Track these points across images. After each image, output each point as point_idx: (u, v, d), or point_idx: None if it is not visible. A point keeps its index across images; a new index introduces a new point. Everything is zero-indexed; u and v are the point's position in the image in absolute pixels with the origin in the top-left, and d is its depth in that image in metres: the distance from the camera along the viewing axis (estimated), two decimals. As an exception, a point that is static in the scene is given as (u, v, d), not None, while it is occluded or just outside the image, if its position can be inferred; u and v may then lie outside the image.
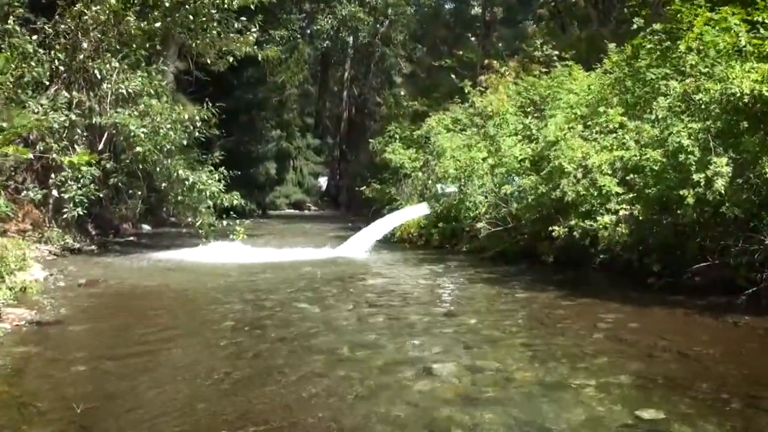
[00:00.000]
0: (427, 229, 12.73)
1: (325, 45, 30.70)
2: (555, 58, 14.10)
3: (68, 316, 5.44)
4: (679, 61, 7.87)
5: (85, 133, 10.39)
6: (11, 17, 9.64)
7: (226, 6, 11.94)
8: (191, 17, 11.75)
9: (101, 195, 10.47)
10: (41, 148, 9.59)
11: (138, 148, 10.10)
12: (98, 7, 10.33)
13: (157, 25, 11.25)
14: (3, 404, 3.35)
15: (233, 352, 4.45)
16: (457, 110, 15.20)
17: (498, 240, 10.00)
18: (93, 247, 10.92)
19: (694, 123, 6.53)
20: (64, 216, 9.87)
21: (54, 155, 9.30)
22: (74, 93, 10.30)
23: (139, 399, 3.44)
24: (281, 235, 15.56)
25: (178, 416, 3.17)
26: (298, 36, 26.01)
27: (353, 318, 5.66)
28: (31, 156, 8.70)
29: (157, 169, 10.60)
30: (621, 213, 7.28)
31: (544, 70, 13.59)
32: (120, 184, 10.85)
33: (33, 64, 9.70)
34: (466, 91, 14.84)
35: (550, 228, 7.98)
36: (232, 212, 11.65)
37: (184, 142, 10.95)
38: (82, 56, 10.42)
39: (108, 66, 10.39)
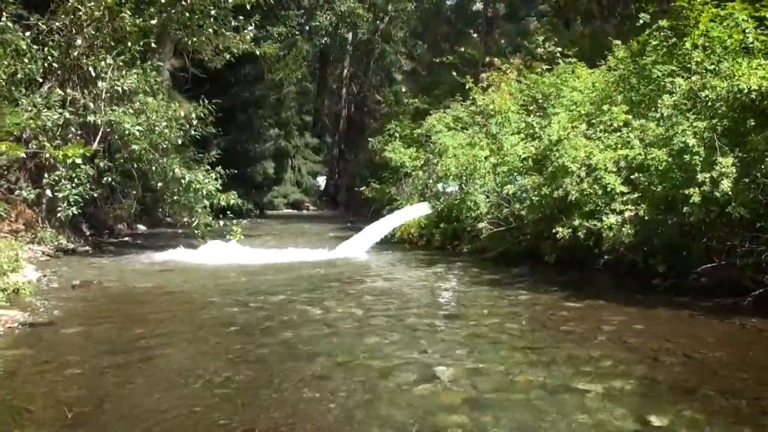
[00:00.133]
0: (428, 229, 12.73)
1: (323, 42, 30.73)
2: (558, 55, 14.08)
3: (62, 318, 5.42)
4: (685, 58, 7.86)
5: (79, 132, 10.38)
6: (4, 13, 9.64)
7: (222, 4, 11.94)
8: (187, 14, 11.74)
9: (95, 195, 10.47)
10: (34, 146, 9.59)
11: (134, 147, 10.09)
12: (93, 3, 10.33)
13: (153, 21, 11.24)
14: (-6, 408, 3.34)
15: (230, 355, 4.43)
16: (458, 108, 15.20)
17: (500, 240, 9.99)
18: (87, 247, 10.91)
19: (699, 121, 6.52)
20: (58, 216, 9.86)
21: (47, 154, 9.29)
22: (68, 90, 10.30)
23: (134, 403, 3.43)
24: (279, 236, 15.55)
25: (174, 421, 3.16)
26: (297, 32, 26.01)
27: (353, 320, 5.65)
28: (23, 154, 8.71)
29: (153, 168, 10.60)
30: (626, 213, 7.27)
31: (546, 67, 13.58)
32: (115, 183, 10.84)
33: (26, 61, 9.70)
34: (468, 88, 14.84)
35: (554, 230, 7.96)
36: (229, 212, 11.65)
37: (180, 141, 10.95)
38: (76, 53, 10.42)
39: (103, 63, 10.39)
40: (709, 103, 6.62)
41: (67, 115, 9.93)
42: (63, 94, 10.14)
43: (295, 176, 31.27)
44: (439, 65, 25.83)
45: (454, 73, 17.81)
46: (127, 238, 13.56)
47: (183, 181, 10.61)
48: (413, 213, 12.99)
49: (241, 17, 12.95)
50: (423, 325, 5.44)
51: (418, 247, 12.64)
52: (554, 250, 8.62)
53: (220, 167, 11.39)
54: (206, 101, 11.42)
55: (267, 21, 20.40)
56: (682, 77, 7.45)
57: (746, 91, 5.99)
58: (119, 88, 10.40)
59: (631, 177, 7.63)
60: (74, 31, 10.47)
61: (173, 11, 11.59)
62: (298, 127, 30.78)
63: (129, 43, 10.89)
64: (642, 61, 8.87)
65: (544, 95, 12.19)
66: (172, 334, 5.09)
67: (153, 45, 11.47)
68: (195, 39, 12.46)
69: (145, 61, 11.34)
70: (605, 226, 7.26)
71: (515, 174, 10.32)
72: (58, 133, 9.88)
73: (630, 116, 8.43)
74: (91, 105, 10.43)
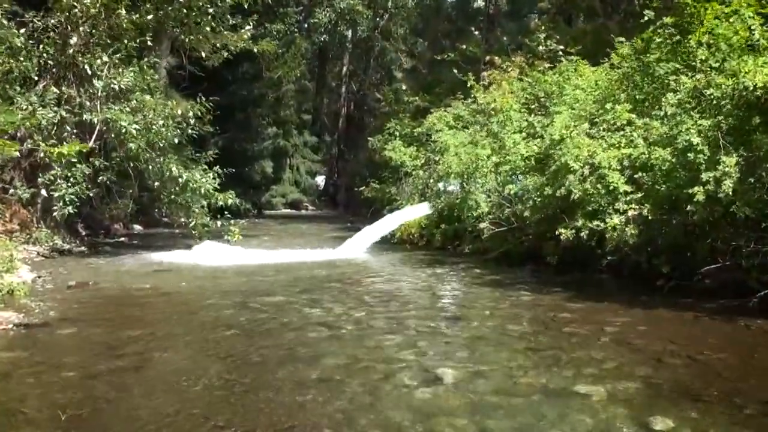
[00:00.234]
0: (429, 229, 12.74)
1: (322, 39, 30.71)
2: (560, 52, 14.08)
3: (57, 320, 5.42)
4: (689, 55, 7.86)
5: (74, 131, 10.38)
6: (-1, 10, 9.64)
7: (219, 2, 11.94)
8: (184, 11, 11.74)
9: (91, 194, 10.46)
10: (29, 145, 9.58)
11: (130, 145, 10.08)
12: (88, 0, 10.33)
13: (149, 17, 11.23)
14: (-11, 411, 3.34)
15: (228, 357, 4.43)
16: (459, 106, 15.21)
17: (502, 241, 10.00)
18: (83, 248, 10.92)
19: (704, 120, 6.52)
20: (54, 215, 9.86)
21: (42, 153, 9.29)
22: (64, 88, 10.30)
23: (130, 405, 3.43)
24: (278, 236, 15.55)
25: (170, 423, 3.16)
26: (295, 30, 26.04)
27: (353, 321, 5.64)
28: (18, 154, 8.70)
29: (149, 167, 10.60)
30: (630, 213, 7.27)
31: (548, 65, 13.58)
32: (111, 182, 10.83)
33: (21, 58, 9.69)
34: (469, 85, 14.84)
35: (557, 231, 7.95)
36: (226, 212, 11.66)
37: (177, 140, 10.94)
38: (71, 51, 10.41)
39: (98, 61, 10.38)
40: (714, 102, 6.62)
41: (63, 113, 9.93)
42: (58, 92, 10.14)
43: (294, 176, 31.28)
44: (439, 63, 25.84)
45: (455, 71, 17.82)
46: (123, 239, 13.56)
47: (180, 180, 10.62)
48: (413, 213, 13.00)
49: (239, 16, 12.95)
50: (424, 327, 5.43)
51: (419, 247, 12.65)
52: (556, 250, 8.62)
53: (217, 166, 11.39)
54: (204, 99, 11.42)
55: (265, 18, 20.43)
56: (687, 75, 7.45)
57: (752, 88, 5.99)
58: (116, 86, 10.39)
59: (635, 176, 7.63)
60: (70, 29, 10.47)
61: (170, 8, 11.59)
62: (297, 126, 30.79)
63: (125, 41, 10.89)
64: (646, 58, 8.87)
65: (546, 93, 12.20)
66: (169, 336, 5.09)
67: (149, 42, 11.46)
68: (192, 36, 12.46)
69: (142, 59, 11.34)
70: (608, 227, 7.26)
71: (517, 173, 10.32)
72: (53, 132, 9.87)
73: (633, 115, 8.42)
74: (87, 103, 10.42)
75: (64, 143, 9.89)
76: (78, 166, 9.55)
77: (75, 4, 10.31)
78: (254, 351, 4.58)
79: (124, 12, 10.73)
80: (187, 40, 12.61)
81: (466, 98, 15.22)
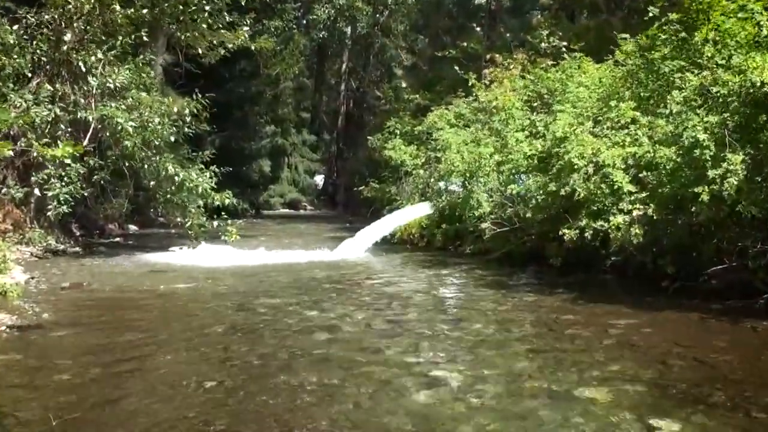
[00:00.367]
0: (430, 229, 12.73)
1: (321, 36, 30.71)
2: (563, 49, 14.08)
3: (51, 322, 5.42)
4: (695, 52, 7.85)
5: (69, 129, 10.37)
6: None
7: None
8: (180, 7, 11.73)
9: (86, 194, 10.45)
10: (23, 143, 9.57)
11: (126, 143, 10.07)
12: (83, -5, 10.33)
13: (144, 11, 11.22)
14: (-19, 415, 3.33)
15: (225, 359, 4.43)
16: (460, 104, 15.20)
17: (504, 241, 9.99)
18: (77, 248, 10.90)
19: (710, 116, 6.51)
20: (47, 215, 9.85)
21: (35, 153, 9.28)
22: (58, 86, 10.28)
23: (126, 409, 3.42)
24: (276, 236, 15.54)
25: (167, 427, 3.15)
26: (294, 26, 26.04)
27: (352, 323, 5.64)
28: (11, 153, 8.68)
29: (145, 166, 10.58)
30: (635, 213, 7.26)
31: (551, 62, 13.58)
32: (105, 182, 10.83)
33: (14, 55, 9.68)
34: (471, 83, 14.83)
35: (561, 232, 7.93)
36: (223, 212, 11.63)
37: (173, 138, 10.93)
38: (65, 47, 10.40)
39: (93, 58, 10.37)
40: (720, 99, 6.61)
41: (57, 111, 9.91)
42: (52, 89, 10.13)
43: (292, 175, 31.26)
44: (440, 60, 25.83)
45: (456, 68, 17.82)
46: (118, 239, 13.55)
47: (176, 179, 10.60)
48: (414, 213, 12.99)
49: (236, 12, 12.93)
50: (425, 329, 5.43)
51: (419, 247, 12.64)
52: (560, 251, 8.60)
53: (214, 165, 11.37)
54: (200, 97, 11.41)
55: (263, 14, 20.42)
56: (692, 72, 7.45)
57: (759, 85, 5.98)
58: (110, 84, 10.38)
59: (640, 175, 7.62)
60: (64, 25, 10.46)
61: (166, 4, 11.58)
62: (295, 124, 30.77)
63: (120, 37, 10.85)
64: (650, 55, 8.86)
65: (549, 91, 12.19)
66: (165, 339, 5.09)
67: (145, 39, 11.44)
68: (188, 33, 12.44)
69: (137, 56, 11.33)
70: (613, 227, 7.25)
71: (520, 173, 10.31)
72: (47, 130, 9.86)
73: (638, 113, 8.42)
74: (82, 101, 10.41)
75: (59, 141, 9.89)
76: (72, 165, 9.54)
77: (69, 0, 10.31)
78: (253, 354, 4.57)
79: (118, 7, 10.71)
80: (183, 36, 12.59)
81: (468, 96, 15.21)
